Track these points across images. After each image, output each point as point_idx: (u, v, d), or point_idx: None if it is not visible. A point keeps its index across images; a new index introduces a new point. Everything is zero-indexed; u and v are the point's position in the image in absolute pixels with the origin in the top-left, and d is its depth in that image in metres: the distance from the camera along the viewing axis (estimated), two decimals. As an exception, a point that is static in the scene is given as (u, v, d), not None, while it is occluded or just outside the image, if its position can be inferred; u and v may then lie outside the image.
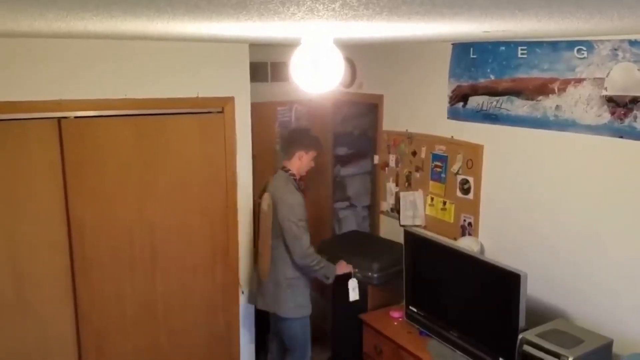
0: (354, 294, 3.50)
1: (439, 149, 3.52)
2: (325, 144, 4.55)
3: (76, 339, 3.19)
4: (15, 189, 2.91)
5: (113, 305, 3.27)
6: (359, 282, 3.49)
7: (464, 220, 3.37)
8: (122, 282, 3.28)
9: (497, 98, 3.07)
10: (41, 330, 3.08)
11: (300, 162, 3.34)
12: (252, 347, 3.82)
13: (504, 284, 2.64)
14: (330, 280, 3.35)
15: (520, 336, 2.49)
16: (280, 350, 3.58)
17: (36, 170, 2.95)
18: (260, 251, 3.38)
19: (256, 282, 3.53)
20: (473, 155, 3.27)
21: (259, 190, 3.49)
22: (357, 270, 3.51)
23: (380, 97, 4.00)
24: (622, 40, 2.43)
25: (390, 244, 3.81)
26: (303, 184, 3.45)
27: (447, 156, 3.46)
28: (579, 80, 2.64)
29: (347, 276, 3.49)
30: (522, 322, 2.56)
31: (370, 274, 3.50)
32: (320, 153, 3.48)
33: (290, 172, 3.32)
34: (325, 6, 1.19)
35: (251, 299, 3.66)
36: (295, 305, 3.33)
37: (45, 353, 3.11)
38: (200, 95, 3.34)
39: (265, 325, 3.69)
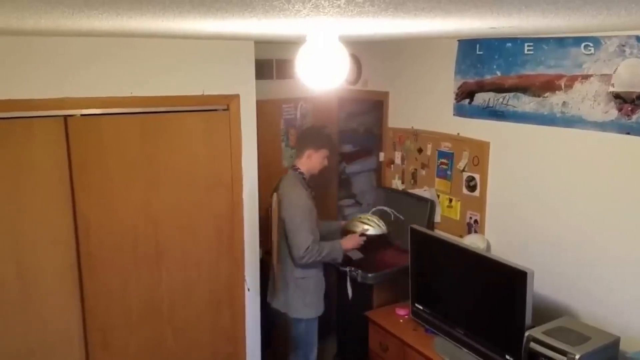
0: (350, 292, 3.52)
1: (445, 146, 3.51)
2: (330, 142, 4.56)
3: (82, 334, 3.21)
4: (21, 187, 2.93)
5: (119, 301, 3.29)
6: (355, 281, 3.50)
7: (470, 218, 3.36)
8: (128, 279, 3.30)
9: (504, 95, 3.06)
10: (47, 327, 3.10)
11: (310, 161, 3.30)
12: (258, 343, 3.83)
13: (510, 281, 2.64)
14: (340, 261, 3.35)
15: (526, 334, 2.48)
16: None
17: (43, 168, 2.96)
18: (272, 250, 3.39)
19: (272, 281, 3.53)
20: (479, 152, 3.26)
21: (270, 189, 3.49)
22: (353, 268, 3.51)
23: (386, 94, 3.99)
24: (629, 36, 2.42)
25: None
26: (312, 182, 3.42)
27: (453, 153, 3.45)
28: (586, 77, 2.62)
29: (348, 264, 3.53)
30: (528, 319, 2.56)
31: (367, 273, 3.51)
32: (334, 151, 3.44)
33: (299, 170, 3.30)
34: (331, 3, 1.18)
35: (268, 297, 3.62)
36: (304, 304, 3.31)
37: (50, 349, 3.12)
38: (205, 93, 3.34)
39: (272, 321, 3.69)
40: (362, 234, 3.44)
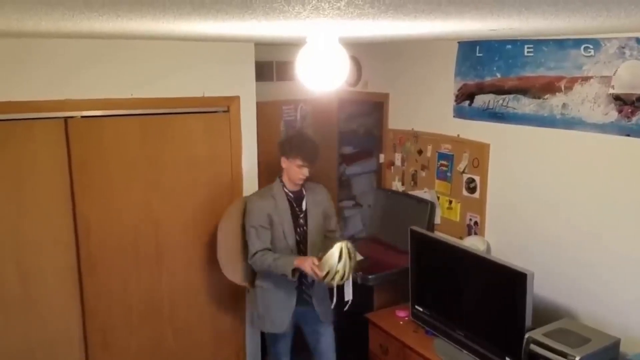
0: (347, 294, 3.48)
1: (445, 148, 3.51)
2: (330, 143, 4.55)
3: (82, 335, 3.22)
4: (22, 188, 2.93)
5: (119, 301, 3.30)
6: (355, 282, 3.48)
7: (470, 219, 3.36)
8: (128, 279, 3.30)
9: (504, 96, 3.06)
10: (47, 327, 3.10)
11: (285, 169, 3.12)
12: (258, 344, 3.82)
13: (510, 283, 2.63)
14: (290, 277, 2.94)
15: (527, 335, 2.48)
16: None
17: (43, 169, 2.97)
18: None
19: None
20: (479, 153, 3.26)
21: None
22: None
23: (386, 95, 3.99)
24: (629, 38, 2.42)
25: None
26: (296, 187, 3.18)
27: (453, 155, 3.46)
28: (586, 79, 2.62)
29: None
30: (528, 321, 2.55)
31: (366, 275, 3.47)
32: (308, 159, 3.08)
33: (281, 179, 3.16)
34: (331, 5, 1.19)
35: None
36: (257, 316, 3.24)
37: (50, 349, 3.13)
38: (205, 95, 3.34)
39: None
40: (314, 268, 2.86)
